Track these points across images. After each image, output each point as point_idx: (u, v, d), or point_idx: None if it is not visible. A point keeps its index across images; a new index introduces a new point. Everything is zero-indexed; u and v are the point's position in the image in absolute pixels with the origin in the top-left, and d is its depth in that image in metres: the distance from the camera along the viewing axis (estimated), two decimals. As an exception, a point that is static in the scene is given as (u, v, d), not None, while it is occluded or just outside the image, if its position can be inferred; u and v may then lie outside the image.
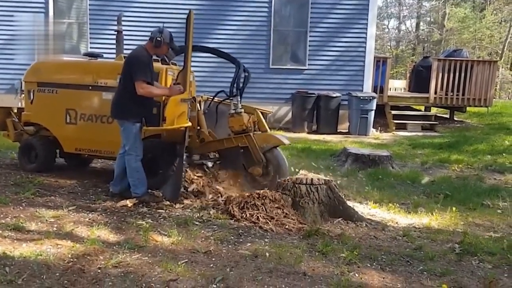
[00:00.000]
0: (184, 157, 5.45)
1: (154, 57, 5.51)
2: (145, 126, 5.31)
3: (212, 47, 6.66)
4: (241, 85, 5.81)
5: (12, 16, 12.61)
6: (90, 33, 12.84)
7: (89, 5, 12.79)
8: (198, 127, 5.90)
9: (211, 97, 6.29)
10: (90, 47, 12.57)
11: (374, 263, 4.07)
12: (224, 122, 6.09)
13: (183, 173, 5.43)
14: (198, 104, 5.94)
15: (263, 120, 6.12)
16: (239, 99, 5.80)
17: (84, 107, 6.06)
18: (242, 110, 5.78)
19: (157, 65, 5.66)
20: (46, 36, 12.23)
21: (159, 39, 5.18)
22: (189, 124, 5.40)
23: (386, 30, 37.92)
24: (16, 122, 6.54)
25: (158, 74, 5.65)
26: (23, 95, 6.97)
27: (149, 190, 5.48)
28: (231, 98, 5.82)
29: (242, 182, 5.83)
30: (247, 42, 12.88)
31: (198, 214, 5.05)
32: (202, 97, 6.27)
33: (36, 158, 6.37)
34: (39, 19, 12.59)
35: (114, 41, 11.07)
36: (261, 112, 6.29)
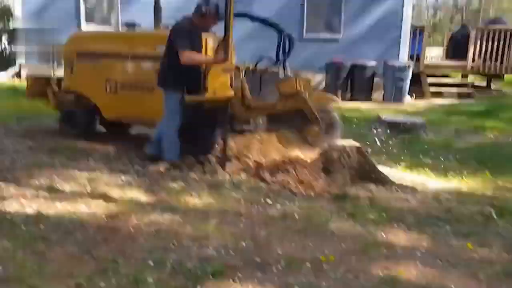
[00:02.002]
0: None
1: None
2: (186, 96, 5.31)
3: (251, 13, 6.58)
4: (287, 50, 5.77)
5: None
6: (120, 3, 12.91)
7: (120, -25, 12.87)
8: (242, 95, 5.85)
9: (253, 66, 6.28)
10: (121, 18, 12.65)
11: (402, 224, 4.06)
12: (267, 90, 6.08)
13: (228, 142, 5.47)
14: (241, 73, 5.95)
15: (309, 84, 6.07)
16: (287, 64, 5.76)
17: (123, 76, 6.13)
18: (292, 74, 5.75)
19: None
20: None
21: (204, 9, 5.16)
22: (232, 93, 5.38)
23: (424, -2, 36.82)
24: (56, 90, 6.67)
25: None
26: (55, 63, 7.12)
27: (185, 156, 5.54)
28: (278, 64, 5.78)
29: (295, 143, 5.85)
30: (280, 12, 12.64)
31: (229, 178, 5.11)
32: (243, 65, 6.26)
33: (77, 125, 6.50)
34: None
35: (144, 11, 11.20)
36: None
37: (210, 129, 5.78)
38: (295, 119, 5.76)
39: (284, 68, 5.76)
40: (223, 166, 5.35)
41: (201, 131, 5.77)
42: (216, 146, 5.83)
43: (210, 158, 5.61)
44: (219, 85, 5.24)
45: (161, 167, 5.34)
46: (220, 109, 5.47)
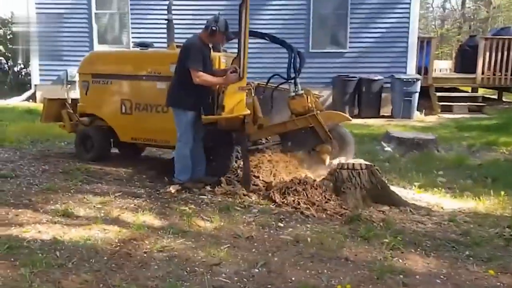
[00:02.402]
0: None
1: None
2: (203, 115, 5.31)
3: (261, 31, 6.56)
4: (298, 66, 5.77)
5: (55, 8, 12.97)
6: (131, 23, 13.03)
7: (130, -5, 12.95)
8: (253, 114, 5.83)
9: (263, 83, 6.27)
10: (132, 37, 12.77)
11: (419, 249, 3.99)
12: (279, 108, 6.08)
13: (248, 160, 5.48)
14: (253, 91, 5.94)
15: (318, 101, 6.11)
16: (298, 81, 5.76)
17: (138, 97, 6.14)
18: (303, 91, 5.74)
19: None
20: None
21: (214, 28, 5.16)
22: (248, 111, 5.39)
23: (430, 9, 36.86)
24: (71, 113, 6.67)
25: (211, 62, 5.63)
26: (69, 85, 7.16)
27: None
28: (289, 81, 5.79)
29: (306, 163, 5.89)
30: (286, 26, 12.72)
31: (240, 200, 5.08)
32: (253, 83, 6.26)
33: (92, 147, 6.50)
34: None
35: (154, 31, 11.30)
36: None
37: (226, 150, 5.79)
38: (307, 138, 5.76)
39: (295, 85, 5.76)
40: (247, 187, 5.36)
41: (217, 152, 5.77)
42: (230, 166, 5.82)
43: (221, 180, 5.61)
44: (236, 104, 5.24)
45: (172, 189, 5.32)
46: (236, 128, 5.50)
